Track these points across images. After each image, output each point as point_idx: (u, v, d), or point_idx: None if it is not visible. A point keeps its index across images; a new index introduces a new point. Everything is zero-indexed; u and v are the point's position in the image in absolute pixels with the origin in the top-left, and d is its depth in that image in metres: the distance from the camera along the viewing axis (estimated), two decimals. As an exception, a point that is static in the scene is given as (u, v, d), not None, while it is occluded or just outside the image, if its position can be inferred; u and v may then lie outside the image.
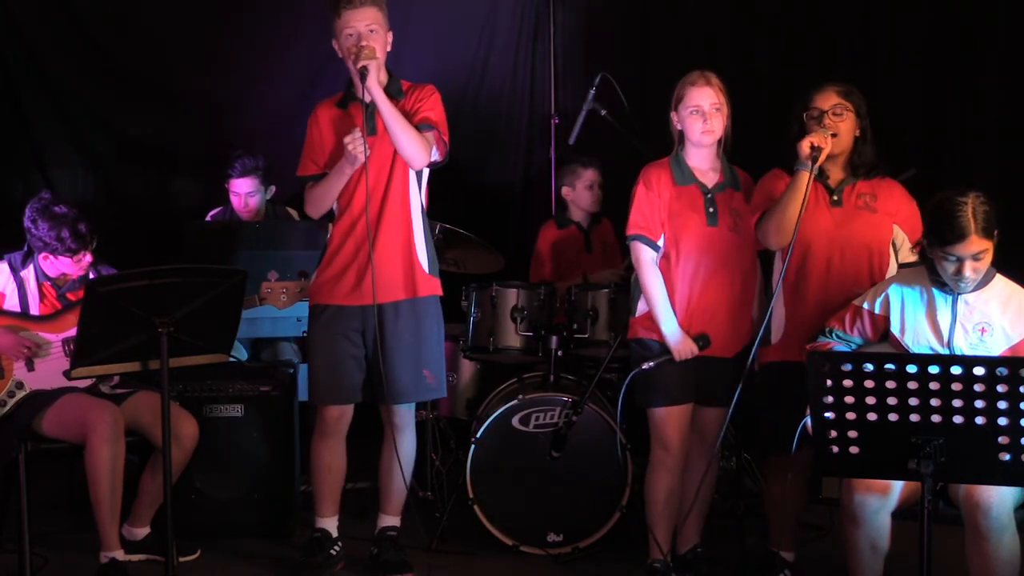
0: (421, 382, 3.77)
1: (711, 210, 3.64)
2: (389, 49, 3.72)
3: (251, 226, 4.82)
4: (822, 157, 3.39)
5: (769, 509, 3.75)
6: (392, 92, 3.67)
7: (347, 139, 3.59)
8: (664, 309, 3.59)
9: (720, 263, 3.63)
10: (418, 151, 3.63)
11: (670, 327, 3.59)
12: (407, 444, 3.84)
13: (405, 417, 3.82)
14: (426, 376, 3.77)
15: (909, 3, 5.13)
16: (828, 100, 3.53)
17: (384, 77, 3.69)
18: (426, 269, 3.77)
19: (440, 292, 3.83)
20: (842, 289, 3.46)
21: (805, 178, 3.39)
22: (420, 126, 3.66)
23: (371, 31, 3.63)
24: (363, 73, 3.54)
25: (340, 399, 3.79)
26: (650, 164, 3.73)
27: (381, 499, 3.91)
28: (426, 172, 3.80)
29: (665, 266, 3.64)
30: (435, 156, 3.73)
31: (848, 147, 3.55)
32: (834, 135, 3.47)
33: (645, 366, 3.61)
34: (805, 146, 3.38)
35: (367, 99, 3.57)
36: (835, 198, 3.54)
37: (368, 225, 3.66)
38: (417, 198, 3.76)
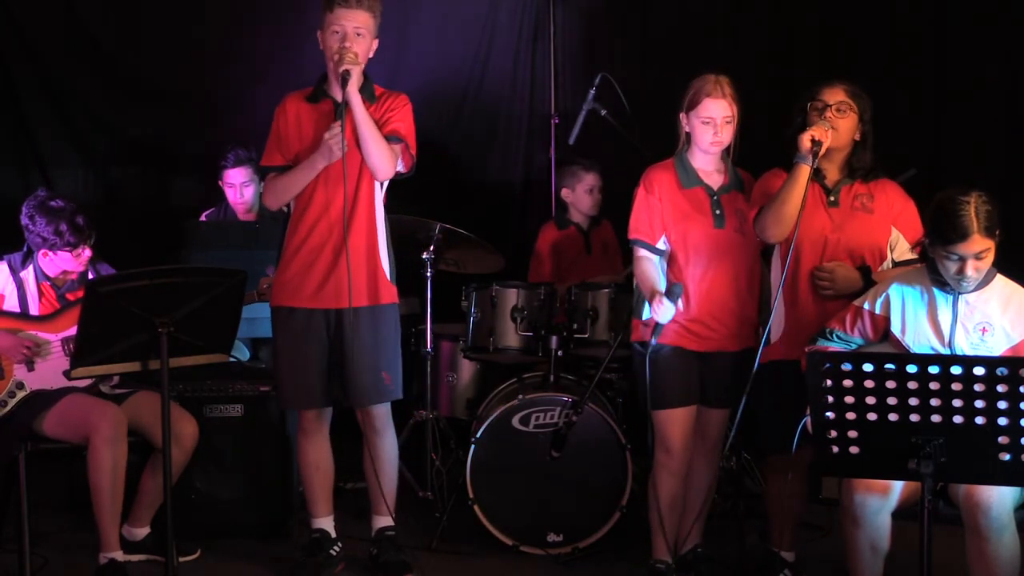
0: (380, 384, 3.76)
1: (718, 212, 3.64)
2: (371, 56, 3.71)
3: (250, 225, 4.82)
4: (822, 151, 3.40)
5: (770, 509, 3.75)
6: (365, 96, 3.67)
7: (328, 134, 3.60)
8: (656, 280, 3.59)
9: (727, 265, 3.63)
10: (385, 163, 3.64)
11: (659, 287, 3.57)
12: (388, 445, 3.84)
13: (382, 418, 3.82)
14: (384, 378, 3.77)
15: (910, 3, 5.13)
16: (835, 95, 3.53)
17: (359, 82, 3.69)
18: (388, 276, 3.77)
19: (397, 299, 3.83)
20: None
21: (805, 172, 3.40)
22: (388, 138, 3.66)
23: (358, 34, 3.63)
24: (344, 78, 3.54)
25: (308, 404, 3.80)
26: (653, 166, 3.72)
27: (372, 501, 3.91)
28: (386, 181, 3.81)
29: (673, 268, 3.64)
30: (400, 168, 3.73)
31: (847, 147, 3.56)
32: (832, 129, 3.47)
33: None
34: (806, 139, 3.39)
35: (342, 99, 3.56)
36: (832, 199, 3.55)
37: (328, 226, 3.66)
38: (381, 203, 3.77)
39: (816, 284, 3.50)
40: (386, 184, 3.81)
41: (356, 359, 3.69)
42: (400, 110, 3.75)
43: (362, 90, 3.67)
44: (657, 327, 3.55)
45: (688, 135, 3.65)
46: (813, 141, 3.38)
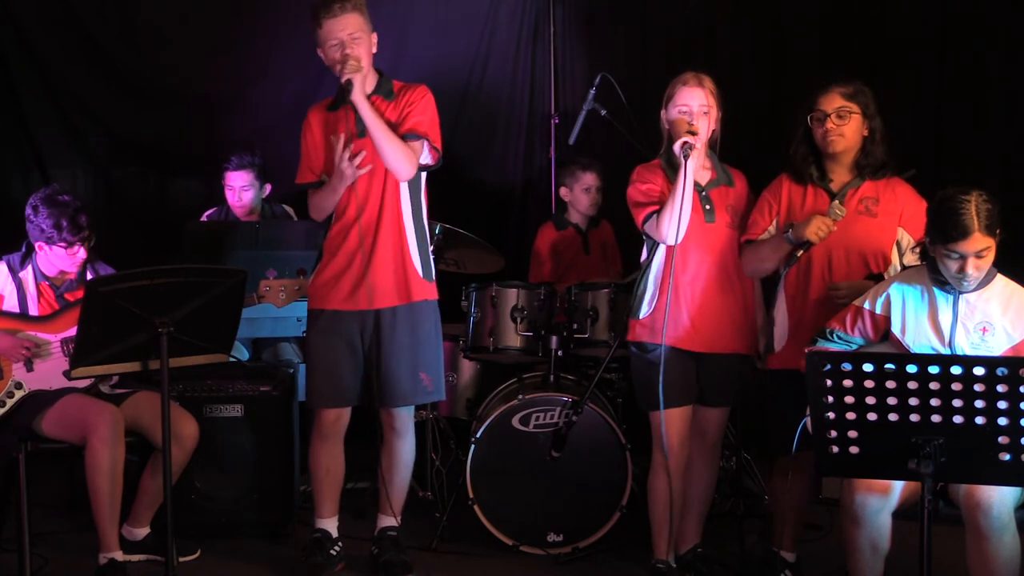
0: (418, 385, 3.77)
1: (707, 207, 3.64)
2: (375, 51, 3.71)
3: (251, 226, 4.82)
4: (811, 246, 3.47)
5: (772, 509, 3.75)
6: (383, 93, 3.68)
7: (337, 158, 3.62)
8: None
9: (720, 259, 3.64)
10: (403, 164, 3.63)
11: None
12: (406, 448, 3.86)
13: (405, 421, 3.83)
14: (423, 379, 3.78)
15: (910, 2, 5.13)
16: (832, 102, 3.51)
17: (373, 82, 3.70)
18: (420, 274, 3.77)
19: (436, 296, 3.83)
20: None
21: (787, 249, 3.48)
22: (406, 136, 3.65)
23: (354, 39, 3.62)
24: (347, 88, 3.54)
25: (336, 402, 3.80)
26: (641, 165, 3.73)
27: (381, 500, 3.92)
28: (423, 175, 3.80)
29: (667, 264, 3.64)
30: (427, 160, 3.73)
31: (855, 147, 3.54)
32: (840, 135, 3.49)
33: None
34: (812, 233, 3.40)
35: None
36: (836, 202, 3.52)
37: (360, 231, 3.67)
38: (408, 202, 3.75)
39: (833, 299, 3.48)
40: (423, 182, 3.80)
41: (393, 359, 3.71)
42: (418, 103, 3.73)
43: (379, 88, 3.69)
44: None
45: (669, 133, 3.63)
46: (804, 241, 3.43)
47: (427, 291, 3.80)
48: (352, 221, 3.70)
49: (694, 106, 3.58)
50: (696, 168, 3.62)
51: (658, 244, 3.65)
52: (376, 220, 3.70)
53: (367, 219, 3.69)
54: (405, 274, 3.74)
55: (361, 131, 3.63)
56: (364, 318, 3.73)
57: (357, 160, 3.63)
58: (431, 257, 3.85)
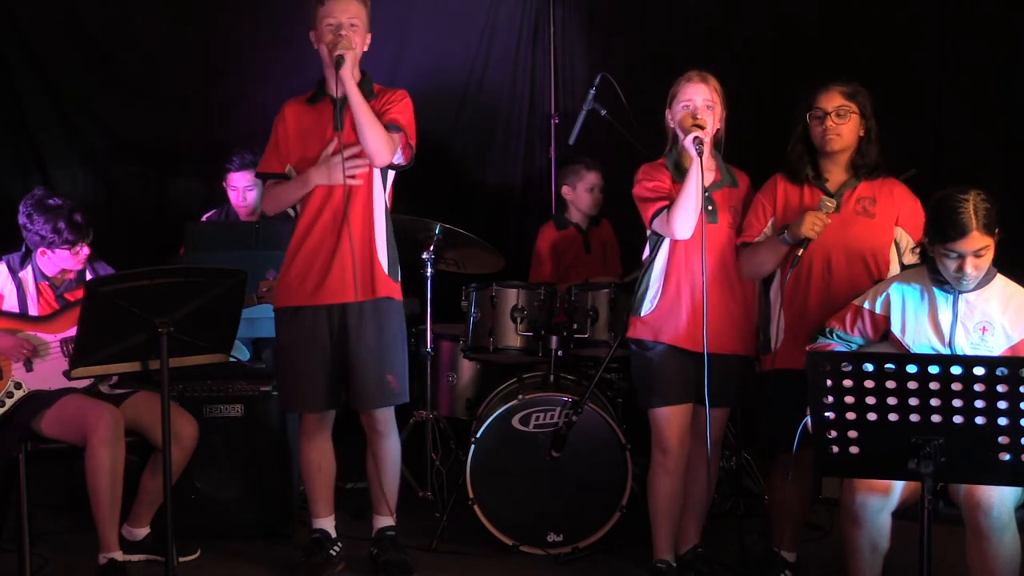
0: (385, 388, 3.75)
1: (710, 208, 3.63)
2: (366, 49, 3.70)
3: (250, 226, 4.82)
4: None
5: (772, 508, 3.75)
6: (364, 92, 3.65)
7: (327, 151, 3.61)
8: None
9: (721, 260, 3.63)
10: (382, 147, 3.60)
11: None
12: (391, 447, 3.84)
13: (385, 422, 3.81)
14: (390, 382, 3.75)
15: (910, 2, 5.13)
16: (832, 101, 3.52)
17: (357, 75, 3.68)
18: (386, 270, 3.74)
19: (399, 296, 3.80)
20: (842, 295, 3.45)
21: (785, 251, 3.50)
22: (387, 126, 3.64)
23: (352, 25, 3.62)
24: (338, 62, 3.51)
25: (311, 407, 3.79)
26: (646, 164, 3.73)
27: (374, 501, 3.91)
28: (391, 174, 3.79)
29: (670, 263, 3.64)
30: (399, 159, 3.72)
31: (851, 147, 3.55)
32: (838, 134, 3.50)
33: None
34: (808, 230, 3.41)
35: (339, 93, 3.56)
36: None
37: (324, 223, 3.65)
38: (381, 198, 3.75)
39: None
40: (390, 180, 3.79)
41: (360, 362, 3.69)
42: (399, 103, 3.73)
43: (360, 87, 3.66)
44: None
45: (675, 132, 3.64)
46: (801, 238, 3.43)
47: (391, 289, 3.76)
48: (317, 214, 3.67)
49: (698, 101, 3.58)
50: None
51: (661, 242, 3.66)
52: (343, 211, 3.65)
53: (333, 209, 3.66)
54: (371, 268, 3.71)
55: (338, 124, 3.60)
56: (331, 313, 3.70)
57: (358, 171, 3.62)
58: (398, 259, 3.80)
